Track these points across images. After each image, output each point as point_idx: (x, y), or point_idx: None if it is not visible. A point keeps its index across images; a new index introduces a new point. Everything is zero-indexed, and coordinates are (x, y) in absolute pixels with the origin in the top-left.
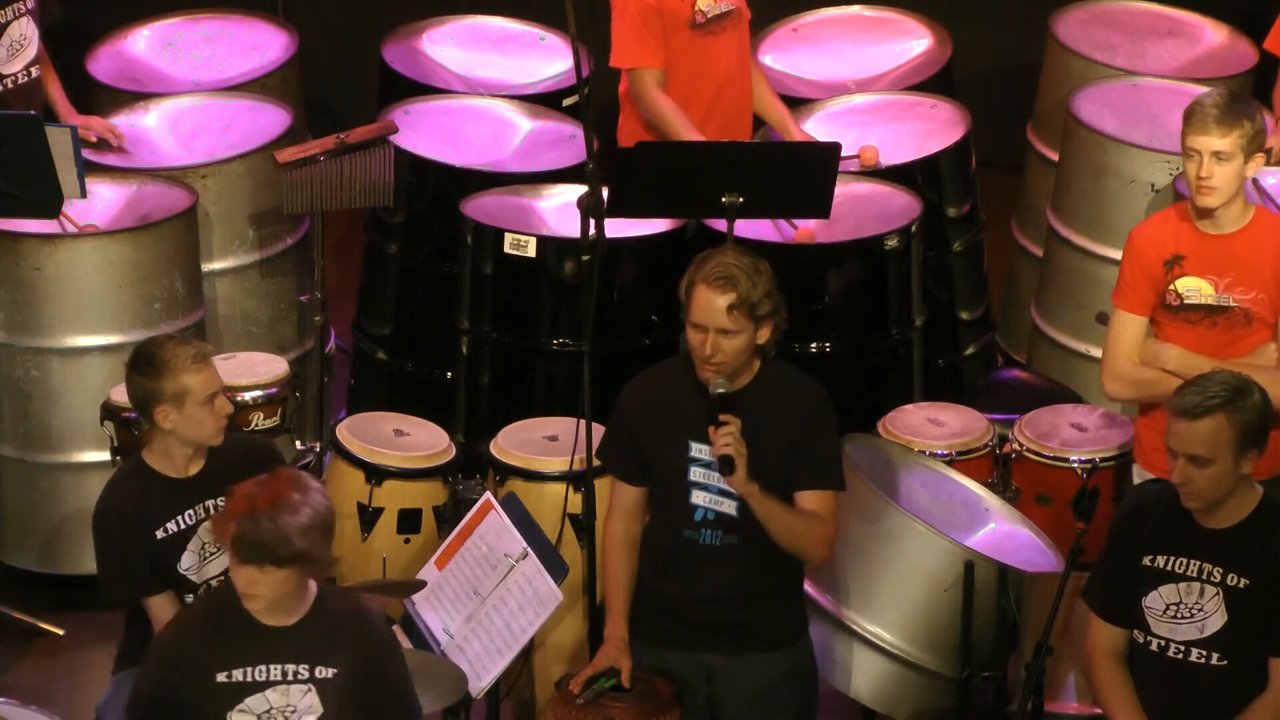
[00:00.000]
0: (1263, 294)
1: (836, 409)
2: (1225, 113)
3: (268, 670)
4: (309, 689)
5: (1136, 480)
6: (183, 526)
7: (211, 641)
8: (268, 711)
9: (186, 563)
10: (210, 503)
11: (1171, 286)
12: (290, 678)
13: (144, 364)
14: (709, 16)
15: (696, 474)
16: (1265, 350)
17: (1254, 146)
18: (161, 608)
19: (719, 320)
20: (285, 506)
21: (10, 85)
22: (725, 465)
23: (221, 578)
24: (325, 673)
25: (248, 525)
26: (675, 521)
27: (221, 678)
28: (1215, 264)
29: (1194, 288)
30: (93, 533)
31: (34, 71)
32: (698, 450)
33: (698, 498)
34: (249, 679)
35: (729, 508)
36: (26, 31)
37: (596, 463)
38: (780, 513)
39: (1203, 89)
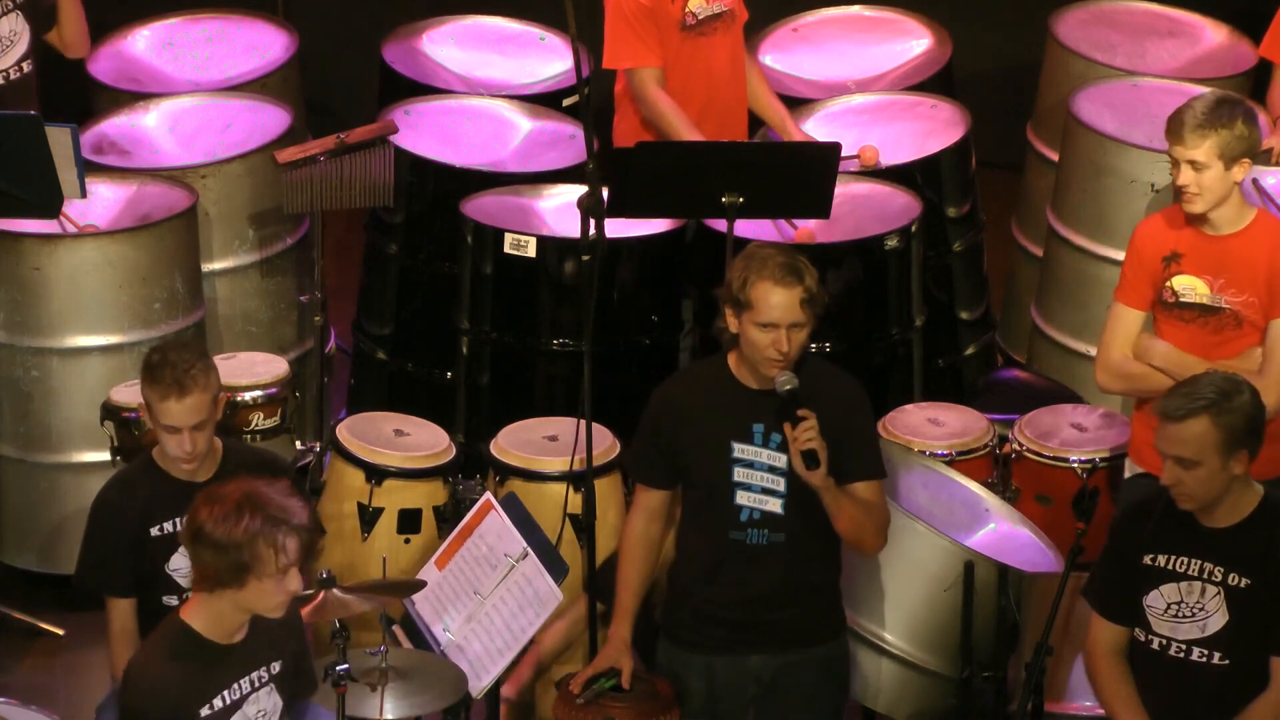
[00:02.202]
0: (1254, 297)
1: None
2: (1201, 123)
3: (240, 686)
4: (270, 687)
5: (1128, 474)
6: (180, 528)
7: (186, 680)
8: None
9: (176, 564)
10: None
11: (1168, 283)
12: (257, 684)
13: (144, 365)
14: (700, 18)
15: (740, 474)
16: (1252, 354)
17: (1235, 152)
18: (120, 612)
19: (793, 315)
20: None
21: (2, 81)
22: (810, 460)
23: None
24: (276, 667)
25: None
26: (719, 524)
27: (206, 711)
28: (1211, 264)
29: (1189, 286)
30: (88, 517)
31: (25, 67)
32: (740, 450)
33: (742, 498)
34: (228, 702)
35: (774, 506)
36: (16, 27)
37: (598, 463)
38: (849, 505)
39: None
